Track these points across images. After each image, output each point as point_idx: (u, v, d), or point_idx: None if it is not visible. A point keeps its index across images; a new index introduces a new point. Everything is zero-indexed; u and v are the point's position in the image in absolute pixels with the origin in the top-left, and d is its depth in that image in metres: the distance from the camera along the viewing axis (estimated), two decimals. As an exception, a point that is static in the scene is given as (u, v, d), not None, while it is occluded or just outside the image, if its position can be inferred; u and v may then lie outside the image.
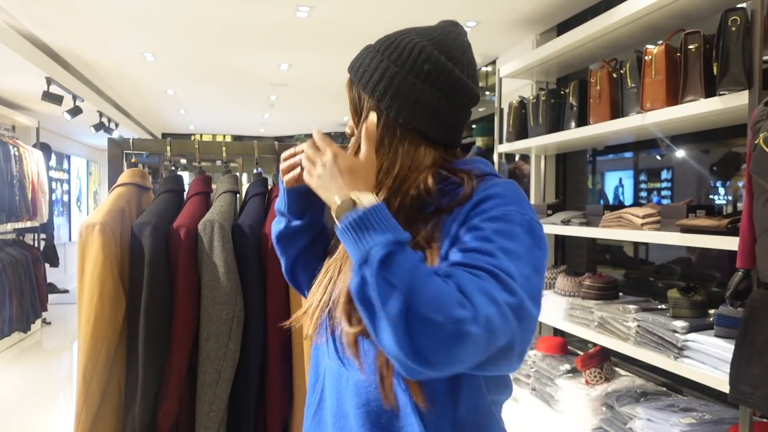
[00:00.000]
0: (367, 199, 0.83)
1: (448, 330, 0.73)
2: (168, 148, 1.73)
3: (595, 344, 2.96)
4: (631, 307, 2.64)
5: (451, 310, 0.74)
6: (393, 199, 0.91)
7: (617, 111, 2.78)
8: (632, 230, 2.57)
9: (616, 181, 3.83)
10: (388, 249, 0.78)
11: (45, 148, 6.24)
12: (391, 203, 0.90)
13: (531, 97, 3.65)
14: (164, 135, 11.78)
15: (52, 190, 6.84)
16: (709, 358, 2.05)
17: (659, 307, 2.63)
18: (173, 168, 1.73)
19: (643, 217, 2.53)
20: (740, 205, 2.39)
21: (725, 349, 1.95)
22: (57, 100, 5.10)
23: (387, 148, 0.94)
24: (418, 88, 0.93)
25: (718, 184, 2.98)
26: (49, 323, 6.01)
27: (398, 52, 0.95)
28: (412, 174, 0.93)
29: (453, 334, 0.74)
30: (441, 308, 0.74)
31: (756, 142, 1.70)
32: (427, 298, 0.75)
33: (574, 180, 4.11)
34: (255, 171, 1.84)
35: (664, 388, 2.80)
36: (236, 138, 11.93)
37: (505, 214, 0.86)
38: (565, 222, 3.16)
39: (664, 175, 3.39)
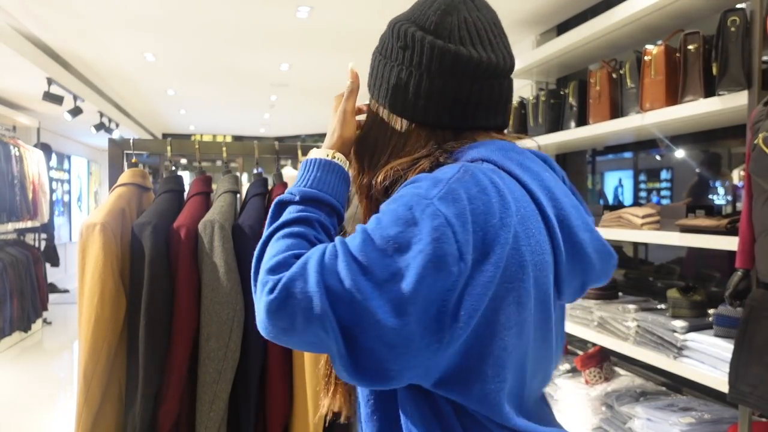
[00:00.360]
0: (322, 153, 0.91)
1: (258, 291, 0.77)
2: (168, 148, 1.73)
3: (594, 344, 2.96)
4: (631, 306, 2.64)
5: (261, 272, 0.79)
6: (363, 179, 0.91)
7: (617, 111, 2.79)
8: (632, 230, 2.57)
9: (616, 181, 3.84)
10: (283, 197, 0.85)
11: (45, 149, 6.25)
12: (362, 182, 0.91)
13: (531, 97, 3.66)
14: (164, 135, 11.78)
15: (52, 190, 6.85)
16: (709, 358, 2.05)
17: (659, 306, 2.63)
18: (173, 168, 1.74)
19: (643, 217, 2.53)
20: (739, 205, 2.40)
21: (724, 348, 1.95)
22: (57, 100, 5.10)
23: (375, 136, 0.91)
24: (395, 71, 0.86)
25: (716, 183, 2.98)
26: (50, 323, 6.02)
27: (382, 40, 0.92)
28: (392, 160, 0.86)
29: (259, 296, 0.76)
30: (263, 266, 0.79)
31: (755, 142, 1.70)
32: (267, 255, 0.80)
33: (574, 180, 4.09)
34: (255, 171, 1.84)
35: (664, 388, 2.80)
36: (236, 138, 11.93)
37: (398, 196, 0.75)
38: (565, 222, 3.17)
39: (664, 175, 3.39)
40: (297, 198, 0.84)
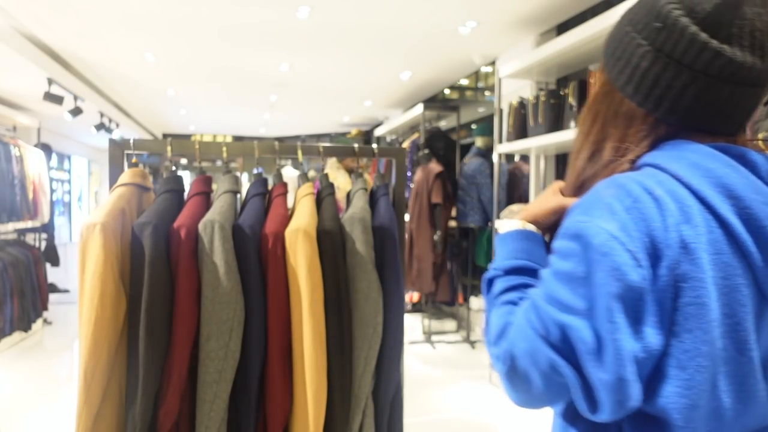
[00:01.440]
0: (515, 224, 0.95)
1: (494, 364, 0.82)
2: (168, 148, 1.73)
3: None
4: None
5: (489, 346, 0.83)
6: (581, 152, 0.88)
7: (617, 111, 2.78)
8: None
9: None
10: (490, 275, 0.91)
11: (46, 149, 6.24)
12: (577, 155, 0.89)
13: (531, 98, 3.66)
14: (165, 135, 11.78)
15: (53, 190, 6.84)
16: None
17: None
18: (174, 168, 1.74)
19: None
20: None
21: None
22: (58, 100, 5.11)
23: (592, 119, 0.86)
24: (641, 50, 0.77)
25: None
26: (50, 323, 6.02)
27: (635, 9, 0.81)
28: (608, 137, 0.83)
29: (496, 366, 0.81)
30: (488, 341, 0.83)
31: (755, 141, 1.70)
32: (490, 331, 0.84)
33: (574, 180, 4.11)
34: (255, 171, 1.84)
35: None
36: (236, 138, 11.93)
37: (561, 230, 0.78)
38: (565, 222, 3.17)
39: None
40: (501, 273, 0.91)
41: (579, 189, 0.86)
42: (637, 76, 0.78)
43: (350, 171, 4.51)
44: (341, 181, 4.19)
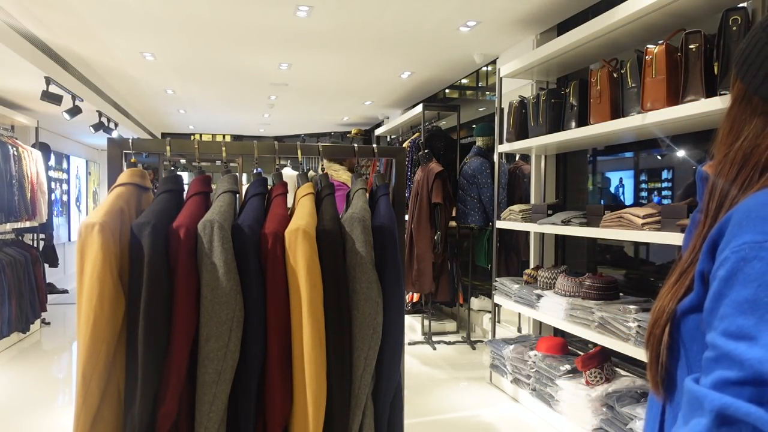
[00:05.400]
0: None
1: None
2: (168, 147, 1.72)
3: (595, 344, 2.95)
4: (632, 307, 2.64)
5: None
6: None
7: (618, 111, 2.78)
8: (633, 230, 2.56)
9: (617, 181, 3.83)
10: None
11: (44, 148, 6.23)
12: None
13: (531, 97, 3.65)
14: (164, 135, 11.78)
15: (51, 190, 6.83)
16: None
17: (660, 307, 2.62)
18: (173, 168, 1.73)
19: (644, 217, 2.52)
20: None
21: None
22: (56, 99, 5.09)
23: (730, 126, 0.80)
24: None
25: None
26: (49, 323, 6.01)
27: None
28: (749, 159, 0.75)
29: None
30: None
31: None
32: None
33: (575, 180, 4.11)
34: (255, 171, 1.83)
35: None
36: (236, 138, 11.92)
37: (727, 257, 0.65)
38: (566, 222, 3.16)
39: (665, 175, 3.38)
40: None
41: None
42: None
43: (351, 170, 4.50)
44: (345, 178, 4.18)
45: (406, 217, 5.09)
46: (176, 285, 1.45)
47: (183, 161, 10.69)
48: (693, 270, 0.74)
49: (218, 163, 1.93)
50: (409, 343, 5.14)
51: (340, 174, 3.79)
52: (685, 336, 0.74)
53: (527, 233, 4.32)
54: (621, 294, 3.02)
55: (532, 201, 4.16)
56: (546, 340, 3.45)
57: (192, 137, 11.31)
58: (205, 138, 11.50)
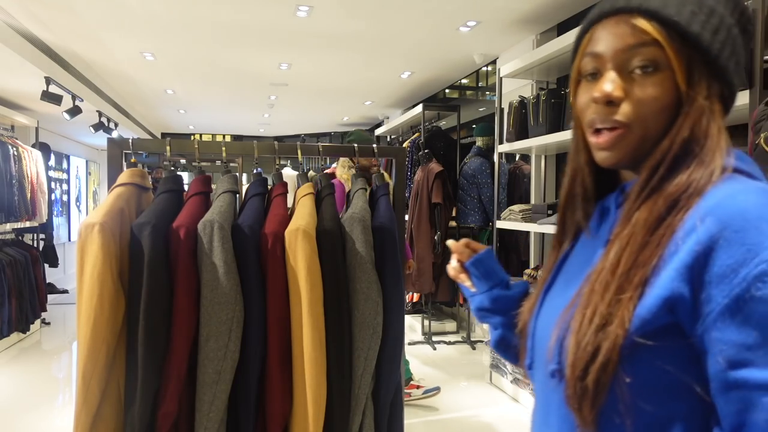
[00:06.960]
0: None
1: None
2: (167, 147, 1.72)
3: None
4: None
5: None
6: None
7: (617, 111, 2.78)
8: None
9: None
10: None
11: (44, 148, 6.23)
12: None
13: (531, 97, 3.65)
14: (164, 135, 11.78)
15: (51, 190, 6.83)
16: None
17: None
18: (173, 168, 1.73)
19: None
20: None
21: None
22: (56, 99, 5.09)
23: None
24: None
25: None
26: (49, 323, 6.01)
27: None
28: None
29: None
30: None
31: (757, 142, 1.69)
32: None
33: (575, 180, 4.11)
34: (255, 171, 1.83)
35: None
36: (236, 138, 11.92)
37: (740, 281, 0.57)
38: (566, 222, 3.16)
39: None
40: None
41: None
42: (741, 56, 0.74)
43: (363, 170, 4.48)
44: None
45: (406, 217, 5.09)
46: (176, 285, 1.45)
47: (183, 161, 10.69)
48: (636, 291, 0.63)
49: (218, 163, 1.93)
50: (409, 343, 5.14)
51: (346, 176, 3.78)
52: (632, 373, 0.62)
53: (527, 233, 4.32)
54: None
55: (532, 201, 4.16)
56: (546, 340, 3.46)
57: (192, 137, 11.31)
58: (205, 138, 11.50)
